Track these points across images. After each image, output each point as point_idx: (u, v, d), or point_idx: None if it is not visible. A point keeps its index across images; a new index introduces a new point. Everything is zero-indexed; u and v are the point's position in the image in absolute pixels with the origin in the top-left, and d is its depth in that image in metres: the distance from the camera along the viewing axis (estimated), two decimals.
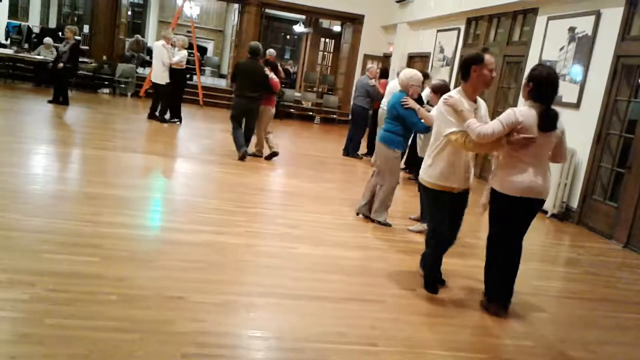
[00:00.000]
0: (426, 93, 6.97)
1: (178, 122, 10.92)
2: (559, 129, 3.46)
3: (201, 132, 10.86)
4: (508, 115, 3.38)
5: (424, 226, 5.34)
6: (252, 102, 7.97)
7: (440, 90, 5.38)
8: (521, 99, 8.02)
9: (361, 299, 3.68)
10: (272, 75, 8.17)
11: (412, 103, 5.14)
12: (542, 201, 3.55)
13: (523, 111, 3.38)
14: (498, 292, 3.70)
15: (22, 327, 2.70)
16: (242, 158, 7.92)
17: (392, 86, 8.59)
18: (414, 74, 5.34)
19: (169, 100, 10.74)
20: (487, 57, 3.60)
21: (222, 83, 18.49)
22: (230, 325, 3.08)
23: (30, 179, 5.53)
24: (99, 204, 4.88)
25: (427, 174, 3.80)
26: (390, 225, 5.50)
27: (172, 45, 10.65)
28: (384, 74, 10.93)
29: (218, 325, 3.03)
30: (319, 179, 7.70)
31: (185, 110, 13.62)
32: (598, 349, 3.46)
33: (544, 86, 3.38)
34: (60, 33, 17.52)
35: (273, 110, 8.43)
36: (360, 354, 2.95)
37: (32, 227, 4.07)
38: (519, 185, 3.43)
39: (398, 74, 8.75)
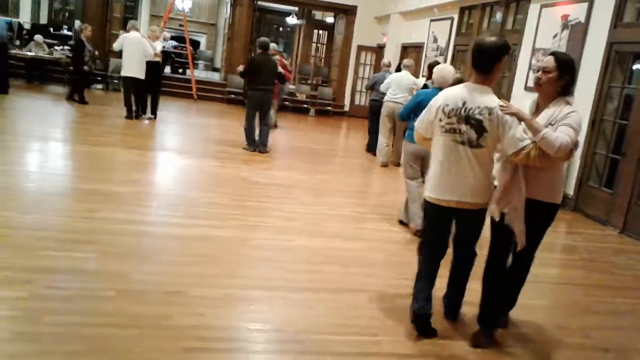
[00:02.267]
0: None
1: (153, 118, 10.39)
2: None
3: (196, 126, 10.82)
4: (577, 118, 2.85)
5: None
6: (267, 94, 8.30)
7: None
8: (518, 89, 7.95)
9: (360, 290, 3.69)
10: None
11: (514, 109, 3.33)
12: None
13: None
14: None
15: (19, 325, 2.69)
16: (256, 150, 8.28)
17: (399, 78, 8.50)
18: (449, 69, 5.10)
19: (146, 95, 10.31)
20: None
21: (216, 76, 18.42)
22: (229, 318, 3.08)
23: (26, 176, 5.51)
24: (95, 200, 4.87)
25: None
26: None
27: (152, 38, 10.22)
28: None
29: (217, 318, 3.03)
30: (315, 171, 7.69)
31: (180, 104, 13.64)
32: (595, 334, 3.48)
33: (575, 77, 2.97)
34: (51, 29, 17.43)
35: (275, 102, 9.04)
36: (361, 344, 2.96)
37: (29, 224, 4.05)
38: (561, 191, 3.08)
39: (406, 66, 8.71)
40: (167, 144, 8.70)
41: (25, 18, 17.96)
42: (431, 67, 5.93)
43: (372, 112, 9.46)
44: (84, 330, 2.71)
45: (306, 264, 4.06)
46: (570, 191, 7.00)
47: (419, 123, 3.23)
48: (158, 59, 10.21)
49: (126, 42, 9.75)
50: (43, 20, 19.44)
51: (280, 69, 8.54)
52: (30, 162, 6.23)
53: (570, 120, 2.83)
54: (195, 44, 23.45)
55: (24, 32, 16.31)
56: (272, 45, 10.73)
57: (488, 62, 2.91)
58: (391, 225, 5.40)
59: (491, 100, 2.89)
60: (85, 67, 10.99)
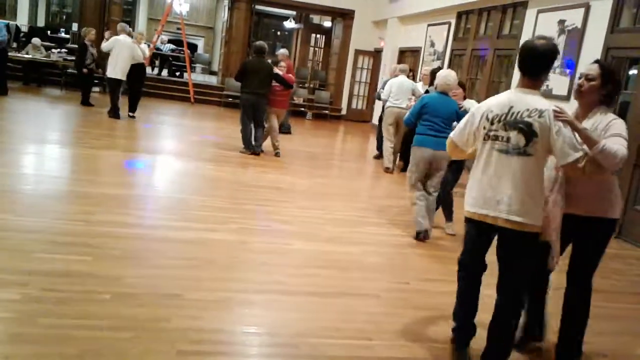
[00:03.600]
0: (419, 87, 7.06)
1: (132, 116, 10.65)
2: None
3: (192, 130, 10.81)
4: (622, 125, 2.73)
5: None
6: (260, 98, 8.21)
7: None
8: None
9: (356, 294, 3.68)
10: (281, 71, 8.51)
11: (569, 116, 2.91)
12: None
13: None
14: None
15: (15, 327, 2.68)
16: (253, 153, 8.34)
17: (399, 83, 8.50)
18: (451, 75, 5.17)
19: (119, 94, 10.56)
20: None
21: (213, 80, 18.41)
22: (225, 321, 3.08)
23: (21, 178, 5.49)
24: (90, 203, 4.86)
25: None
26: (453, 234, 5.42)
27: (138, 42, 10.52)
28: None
29: (213, 321, 3.03)
30: (312, 174, 7.70)
31: (177, 107, 13.63)
32: (592, 339, 3.48)
33: (619, 86, 2.90)
34: (49, 32, 17.41)
35: (284, 111, 9.00)
36: (356, 349, 2.95)
37: (24, 227, 4.04)
38: (618, 203, 2.91)
39: (402, 70, 8.76)
40: (164, 147, 8.69)
41: (22, 21, 17.95)
42: (434, 73, 5.99)
43: None
44: (79, 333, 2.70)
45: (303, 267, 4.06)
46: None
47: (457, 133, 2.99)
48: (145, 62, 10.63)
49: (117, 44, 9.98)
50: (40, 23, 19.43)
51: (278, 72, 8.37)
52: (27, 165, 6.22)
53: (618, 129, 2.69)
54: (193, 48, 23.44)
55: (22, 34, 16.29)
56: (282, 51, 10.63)
57: (540, 65, 2.72)
58: (388, 229, 5.40)
59: (542, 103, 2.67)
60: (85, 70, 11.02)
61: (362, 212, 5.91)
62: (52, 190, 5.22)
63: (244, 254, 4.19)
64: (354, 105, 16.58)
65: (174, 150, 8.47)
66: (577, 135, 2.63)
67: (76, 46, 14.26)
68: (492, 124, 2.74)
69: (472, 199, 2.82)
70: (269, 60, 8.57)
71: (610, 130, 2.68)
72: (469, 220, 2.86)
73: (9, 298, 2.94)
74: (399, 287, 3.91)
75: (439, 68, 7.00)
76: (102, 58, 13.75)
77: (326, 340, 2.98)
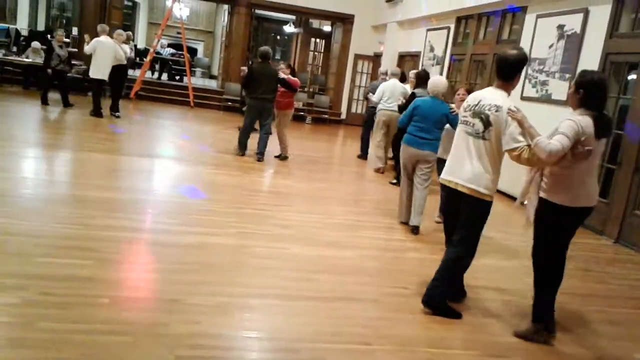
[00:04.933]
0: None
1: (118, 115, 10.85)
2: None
3: (192, 133, 10.81)
4: (571, 126, 3.10)
5: None
6: (267, 103, 8.32)
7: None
8: (514, 99, 8.09)
9: (355, 298, 3.68)
10: (288, 75, 8.58)
11: (519, 115, 4.19)
12: (592, 208, 3.37)
13: (582, 120, 3.14)
14: (548, 315, 3.47)
15: (13, 332, 2.68)
16: (244, 155, 8.42)
17: (392, 87, 8.66)
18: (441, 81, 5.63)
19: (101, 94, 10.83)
20: None
21: (213, 84, 18.45)
22: (225, 326, 3.07)
23: (21, 182, 5.49)
24: (90, 207, 4.86)
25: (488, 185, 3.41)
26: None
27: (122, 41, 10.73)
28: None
29: (212, 326, 3.02)
30: (311, 179, 7.70)
31: (177, 111, 13.65)
32: (590, 344, 3.49)
33: (596, 92, 3.21)
34: (49, 36, 17.43)
35: (292, 111, 9.02)
36: (355, 353, 2.95)
37: (23, 231, 4.04)
38: (579, 197, 3.27)
39: (394, 74, 8.93)
40: (163, 150, 8.69)
41: (22, 25, 17.98)
42: (420, 76, 6.22)
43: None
44: (78, 337, 2.70)
45: (302, 272, 4.05)
46: None
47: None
48: (124, 62, 10.69)
49: (99, 45, 10.24)
50: (40, 27, 19.45)
51: (283, 77, 8.42)
52: (26, 169, 6.22)
53: (562, 127, 3.13)
54: (193, 52, 23.53)
55: (22, 38, 16.32)
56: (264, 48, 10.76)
57: (511, 72, 3.43)
58: (386, 233, 5.41)
59: (503, 101, 3.34)
60: (49, 71, 10.97)
61: (362, 217, 5.91)
62: (52, 194, 5.21)
63: (243, 259, 4.19)
64: (353, 110, 16.60)
65: (172, 153, 8.46)
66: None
67: (76, 50, 14.35)
68: (465, 111, 3.54)
69: (446, 168, 3.64)
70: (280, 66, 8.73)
71: (558, 128, 3.16)
72: (441, 185, 3.68)
73: (8, 302, 2.94)
74: (397, 291, 3.91)
75: (424, 71, 7.30)
76: (81, 59, 13.85)
77: (326, 345, 2.98)
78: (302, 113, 15.97)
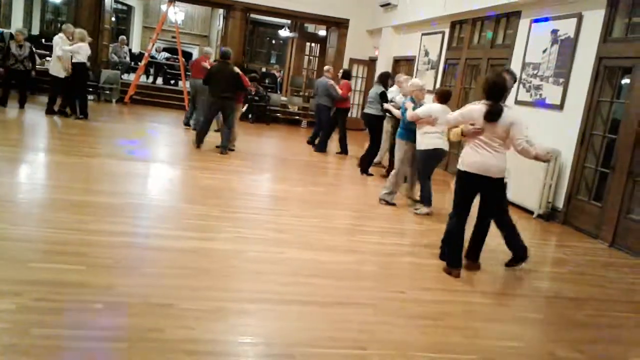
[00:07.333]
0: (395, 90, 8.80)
1: (83, 118, 10.55)
2: (505, 122, 4.20)
3: (185, 138, 10.78)
4: (464, 109, 4.52)
5: (430, 209, 6.45)
6: (226, 101, 8.83)
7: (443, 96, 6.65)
8: (509, 103, 8.39)
9: (350, 303, 3.68)
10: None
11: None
12: (491, 178, 4.30)
13: (474, 106, 4.35)
14: (456, 258, 4.46)
15: (8, 338, 2.66)
16: (199, 148, 8.96)
17: (372, 90, 9.41)
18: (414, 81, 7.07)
19: (65, 94, 10.67)
20: None
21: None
22: (220, 331, 3.06)
23: (15, 187, 5.47)
24: (84, 212, 4.84)
25: None
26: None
27: (69, 38, 10.52)
28: (346, 75, 11.17)
29: (207, 332, 3.01)
30: (306, 182, 7.70)
31: (172, 115, 13.61)
32: (586, 348, 3.49)
33: (490, 88, 4.28)
34: (43, 40, 17.37)
35: (241, 106, 9.85)
36: (350, 358, 2.94)
37: (18, 236, 4.02)
38: (473, 164, 4.32)
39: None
40: (157, 154, 8.67)
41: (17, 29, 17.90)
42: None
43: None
44: (72, 344, 2.68)
45: (297, 276, 4.05)
46: (560, 204, 7.04)
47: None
48: (67, 59, 10.38)
49: (54, 43, 10.54)
50: (35, 31, 19.40)
51: (239, 74, 8.95)
52: (20, 174, 6.19)
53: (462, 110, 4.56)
54: (188, 56, 23.49)
55: None
56: (207, 49, 11.64)
57: (499, 94, 4.27)
58: (383, 237, 5.41)
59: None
60: (1, 70, 10.82)
61: (357, 221, 5.91)
62: (46, 199, 5.20)
63: (238, 263, 4.18)
64: (348, 114, 16.55)
65: (166, 157, 8.44)
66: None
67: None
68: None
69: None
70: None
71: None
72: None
73: (3, 308, 2.92)
74: (394, 296, 3.91)
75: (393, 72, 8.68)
76: (98, 66, 13.81)
77: (322, 350, 2.97)
78: (298, 117, 15.96)
